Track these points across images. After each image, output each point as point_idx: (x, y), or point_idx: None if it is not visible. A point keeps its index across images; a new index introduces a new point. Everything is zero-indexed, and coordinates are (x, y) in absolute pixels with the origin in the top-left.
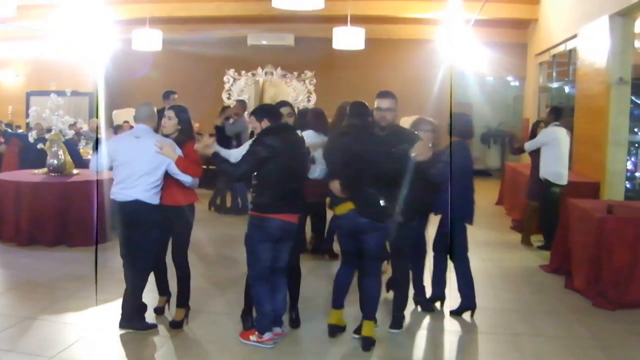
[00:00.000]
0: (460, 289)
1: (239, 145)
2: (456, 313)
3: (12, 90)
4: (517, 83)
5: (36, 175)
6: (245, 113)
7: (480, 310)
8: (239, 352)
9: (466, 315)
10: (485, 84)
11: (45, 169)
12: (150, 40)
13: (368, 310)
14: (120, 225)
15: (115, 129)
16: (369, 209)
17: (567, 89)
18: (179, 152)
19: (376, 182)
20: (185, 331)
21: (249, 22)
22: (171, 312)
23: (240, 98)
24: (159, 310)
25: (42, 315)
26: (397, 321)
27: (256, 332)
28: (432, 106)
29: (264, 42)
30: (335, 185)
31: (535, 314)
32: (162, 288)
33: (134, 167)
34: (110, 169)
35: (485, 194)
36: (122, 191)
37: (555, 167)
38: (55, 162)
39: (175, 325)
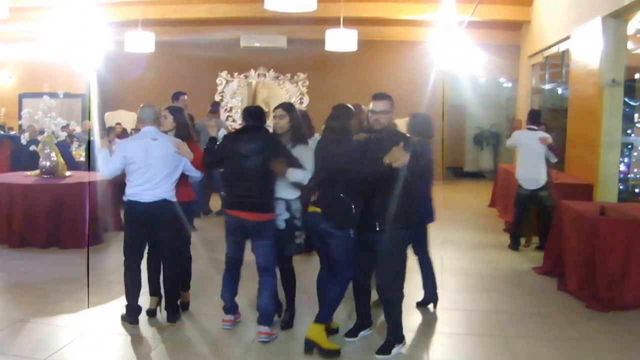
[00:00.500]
0: (423, 282)
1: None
2: (421, 304)
3: (5, 92)
4: (509, 84)
5: (28, 177)
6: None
7: (472, 312)
8: (232, 353)
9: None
10: (478, 86)
11: (37, 171)
12: (143, 42)
13: (319, 312)
14: (141, 224)
15: (108, 131)
16: (332, 214)
17: (560, 91)
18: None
19: (349, 188)
20: (178, 333)
21: (241, 24)
22: (162, 315)
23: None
24: (151, 313)
25: (35, 317)
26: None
27: None
28: (425, 108)
29: (257, 44)
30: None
31: (527, 316)
32: (155, 288)
33: (157, 168)
34: (120, 170)
35: (478, 196)
36: (148, 192)
37: (518, 170)
38: (48, 164)
39: (185, 307)
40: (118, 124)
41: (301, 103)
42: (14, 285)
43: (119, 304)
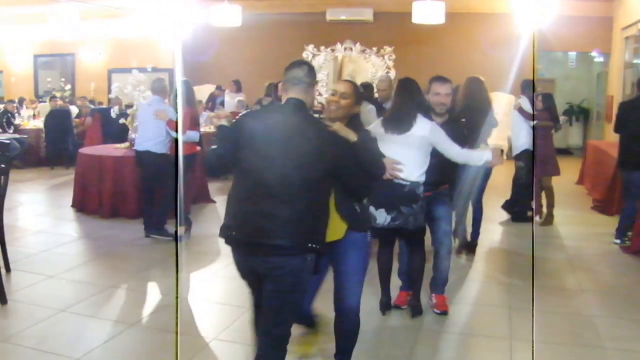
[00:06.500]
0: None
1: None
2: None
3: (94, 68)
4: (601, 59)
5: (118, 149)
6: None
7: (556, 289)
8: None
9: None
10: (568, 60)
11: (127, 144)
12: (230, 16)
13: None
14: (139, 167)
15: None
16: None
17: None
18: (172, 116)
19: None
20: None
21: None
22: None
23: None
24: (180, 238)
25: (125, 283)
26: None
27: None
28: (512, 82)
29: (343, 17)
30: None
31: (613, 296)
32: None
33: (145, 127)
34: None
35: (565, 173)
36: (139, 144)
37: None
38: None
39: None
40: (199, 101)
41: None
42: (105, 254)
43: (209, 272)
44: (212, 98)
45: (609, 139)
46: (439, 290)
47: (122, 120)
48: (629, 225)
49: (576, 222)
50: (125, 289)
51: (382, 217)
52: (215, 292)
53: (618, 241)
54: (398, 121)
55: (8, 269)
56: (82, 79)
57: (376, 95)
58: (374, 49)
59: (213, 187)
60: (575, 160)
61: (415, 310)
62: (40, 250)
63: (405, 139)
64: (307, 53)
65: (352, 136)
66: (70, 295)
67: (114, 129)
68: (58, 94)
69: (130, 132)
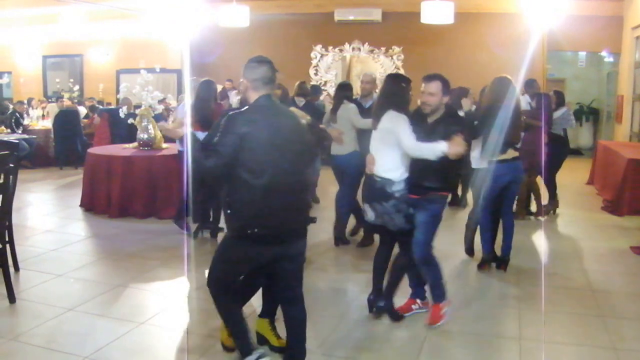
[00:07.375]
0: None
1: None
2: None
3: (102, 69)
4: (611, 58)
5: (127, 149)
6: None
7: (567, 289)
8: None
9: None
10: (578, 59)
11: (135, 143)
12: (238, 17)
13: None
14: None
15: None
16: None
17: None
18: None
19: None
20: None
21: None
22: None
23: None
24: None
25: (133, 283)
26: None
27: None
28: (522, 82)
29: (351, 18)
30: None
31: (623, 295)
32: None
33: None
34: None
35: (575, 173)
36: None
37: None
38: (145, 136)
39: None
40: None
41: None
42: (114, 253)
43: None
44: (223, 92)
45: (620, 139)
46: (433, 299)
47: (130, 121)
48: None
49: (586, 223)
50: (134, 287)
51: (368, 212)
52: None
53: None
54: (374, 116)
55: (17, 268)
56: (90, 80)
57: (357, 95)
58: (383, 49)
59: None
60: (585, 161)
61: (380, 312)
62: (49, 250)
63: (376, 133)
64: (315, 53)
65: None
66: (79, 294)
67: (123, 129)
68: (67, 95)
69: (138, 132)
